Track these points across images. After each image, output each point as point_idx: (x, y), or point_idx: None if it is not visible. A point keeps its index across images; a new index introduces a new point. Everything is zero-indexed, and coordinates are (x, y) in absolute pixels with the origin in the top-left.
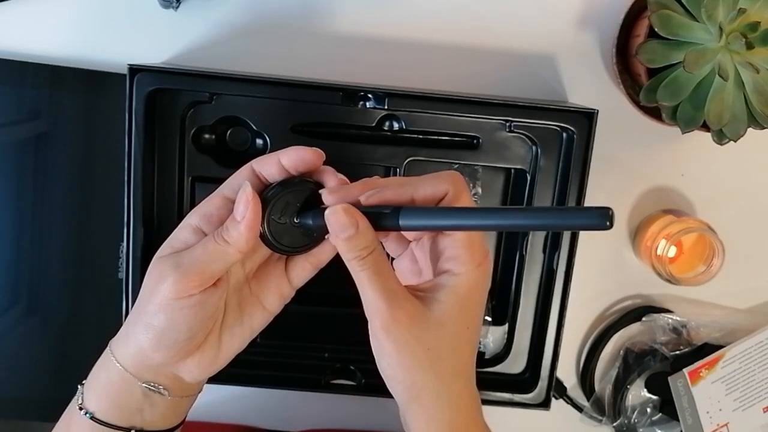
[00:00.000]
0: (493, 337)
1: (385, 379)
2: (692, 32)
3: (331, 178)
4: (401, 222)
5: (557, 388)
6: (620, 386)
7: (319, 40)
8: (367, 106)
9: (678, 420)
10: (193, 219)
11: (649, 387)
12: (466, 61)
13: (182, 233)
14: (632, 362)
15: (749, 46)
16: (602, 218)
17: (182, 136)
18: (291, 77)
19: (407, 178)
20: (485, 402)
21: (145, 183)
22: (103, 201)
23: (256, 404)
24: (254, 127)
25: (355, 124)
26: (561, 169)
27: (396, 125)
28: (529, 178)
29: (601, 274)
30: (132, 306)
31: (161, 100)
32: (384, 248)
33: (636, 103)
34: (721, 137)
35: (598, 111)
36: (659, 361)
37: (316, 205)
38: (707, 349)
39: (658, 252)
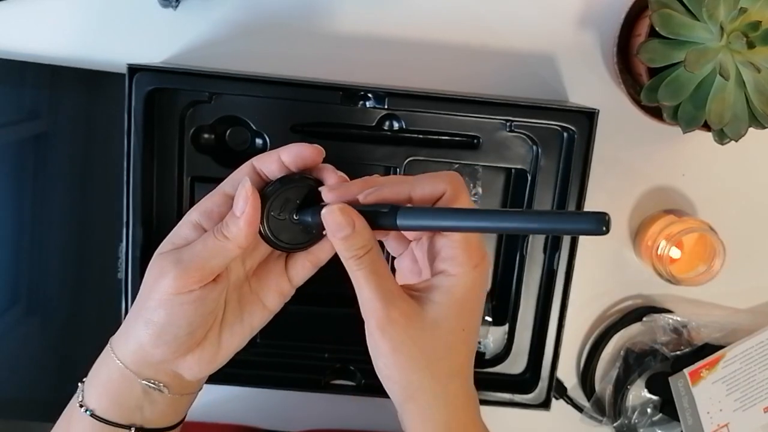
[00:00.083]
0: (494, 337)
1: (381, 379)
2: (693, 32)
3: (331, 176)
4: (399, 222)
5: (557, 389)
6: (621, 386)
7: (319, 39)
8: (367, 105)
9: (678, 420)
10: (193, 215)
11: (650, 387)
12: (466, 61)
13: (183, 230)
14: (633, 362)
15: (750, 46)
16: (599, 223)
17: (182, 136)
18: (291, 77)
19: (406, 176)
20: (486, 402)
21: (145, 183)
22: (102, 201)
23: (256, 404)
24: (254, 127)
25: (355, 124)
26: (561, 169)
27: (396, 125)
28: (529, 178)
29: (601, 275)
30: (131, 305)
31: (160, 99)
32: (385, 247)
33: (637, 102)
34: (722, 137)
35: (598, 111)
36: (660, 361)
37: (315, 202)
38: (708, 349)
39: (659, 252)
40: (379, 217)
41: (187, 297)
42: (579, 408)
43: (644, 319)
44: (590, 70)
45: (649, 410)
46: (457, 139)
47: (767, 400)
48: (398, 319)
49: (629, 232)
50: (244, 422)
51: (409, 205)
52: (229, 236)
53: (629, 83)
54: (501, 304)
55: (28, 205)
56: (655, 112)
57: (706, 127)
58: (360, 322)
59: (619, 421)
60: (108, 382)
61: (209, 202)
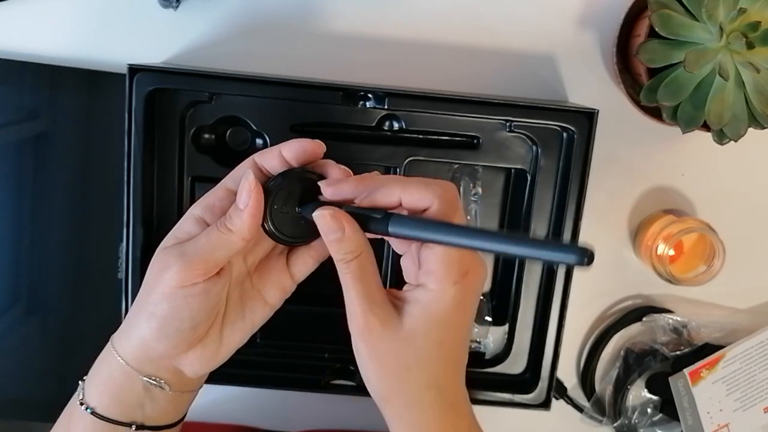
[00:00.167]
0: (494, 337)
1: (363, 378)
2: (693, 32)
3: (334, 170)
4: (390, 229)
5: (558, 389)
6: (621, 386)
7: (319, 40)
8: (367, 105)
9: (678, 420)
10: (196, 210)
11: (650, 387)
12: (466, 61)
13: (185, 224)
14: (633, 362)
15: (750, 46)
16: (581, 257)
17: (182, 136)
18: (291, 77)
19: (402, 178)
20: (486, 402)
21: (145, 183)
22: (102, 201)
23: (256, 404)
24: (254, 127)
25: (355, 124)
26: (561, 169)
27: (396, 125)
28: (529, 178)
29: (601, 275)
30: (132, 305)
31: (161, 99)
32: (390, 247)
33: (636, 102)
34: (721, 137)
35: (598, 111)
36: (660, 361)
37: (317, 196)
38: (708, 349)
39: (659, 252)
40: (372, 221)
41: (191, 290)
42: (579, 408)
43: (644, 319)
44: (590, 70)
45: (649, 410)
46: (456, 139)
47: (767, 400)
48: (375, 326)
49: (629, 232)
50: (244, 422)
51: (402, 212)
52: (233, 229)
53: (629, 83)
54: (501, 304)
55: (28, 205)
56: (655, 113)
57: (706, 127)
58: None
59: (619, 421)
60: (109, 379)
61: (212, 197)
